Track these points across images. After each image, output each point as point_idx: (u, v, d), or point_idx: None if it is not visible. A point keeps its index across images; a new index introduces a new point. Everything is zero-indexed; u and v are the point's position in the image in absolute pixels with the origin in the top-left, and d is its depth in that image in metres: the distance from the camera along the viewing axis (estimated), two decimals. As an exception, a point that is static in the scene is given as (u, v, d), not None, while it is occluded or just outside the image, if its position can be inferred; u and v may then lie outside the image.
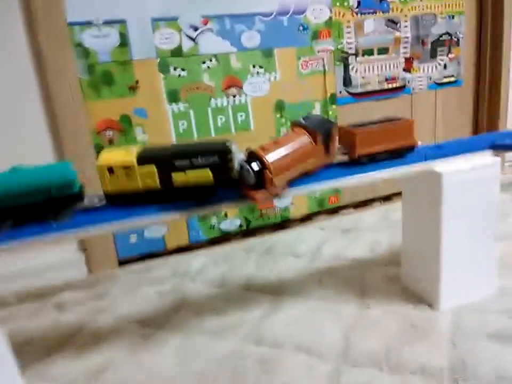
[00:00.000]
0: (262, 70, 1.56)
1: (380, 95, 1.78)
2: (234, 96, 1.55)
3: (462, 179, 0.98)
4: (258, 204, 0.73)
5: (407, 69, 1.80)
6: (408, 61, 1.80)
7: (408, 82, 1.81)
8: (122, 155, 0.77)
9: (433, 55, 1.84)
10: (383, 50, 1.73)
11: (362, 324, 1.06)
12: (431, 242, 1.04)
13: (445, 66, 1.87)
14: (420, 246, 1.11)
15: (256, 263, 1.45)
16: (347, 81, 1.71)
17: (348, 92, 1.72)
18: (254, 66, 1.54)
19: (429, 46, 1.81)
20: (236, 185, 0.77)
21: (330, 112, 1.73)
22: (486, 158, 1.03)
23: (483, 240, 1.05)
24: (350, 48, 1.68)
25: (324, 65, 1.65)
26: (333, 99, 1.70)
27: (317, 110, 1.71)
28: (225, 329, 1.09)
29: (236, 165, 0.76)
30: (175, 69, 1.45)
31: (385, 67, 1.76)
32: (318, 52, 1.63)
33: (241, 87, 1.55)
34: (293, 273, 1.35)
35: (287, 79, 1.60)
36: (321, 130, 0.83)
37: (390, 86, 1.78)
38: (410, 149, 0.97)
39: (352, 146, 0.92)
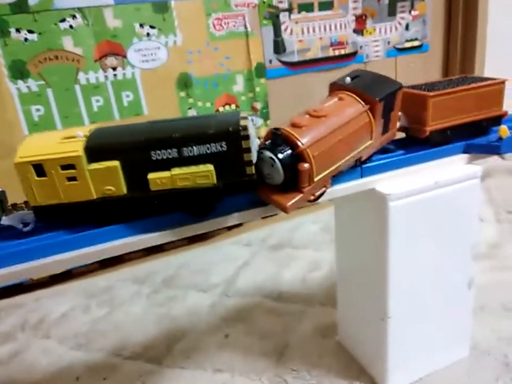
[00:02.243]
0: (154, 31, 1.13)
1: (323, 65, 1.39)
2: (114, 69, 1.12)
3: (418, 202, 0.65)
4: (288, 212, 0.49)
5: (359, 30, 1.39)
6: (360, 20, 1.39)
7: (361, 47, 1.43)
8: (59, 143, 0.48)
9: (392, 12, 1.43)
10: (326, 5, 1.33)
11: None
12: (373, 287, 0.71)
13: (406, 27, 1.48)
14: (358, 291, 0.76)
15: (147, 302, 1.06)
16: (279, 47, 1.30)
17: (280, 61, 1.32)
18: (141, 26, 1.11)
19: (386, -1, 1.42)
20: (252, 186, 0.52)
21: (258, 89, 1.31)
22: (459, 168, 0.67)
23: (453, 285, 0.73)
24: (281, 1, 1.25)
25: (245, 25, 1.23)
26: (261, 71, 1.30)
27: (239, 86, 1.29)
28: None
29: (253, 155, 0.50)
30: (18, 30, 1.01)
31: (330, 27, 1.35)
32: (236, 6, 1.21)
33: (124, 56, 1.12)
34: (193, 321, 0.96)
35: (193, 44, 1.19)
36: (381, 96, 0.58)
37: (336, 52, 1.39)
38: (497, 121, 0.71)
39: (421, 117, 0.64)
